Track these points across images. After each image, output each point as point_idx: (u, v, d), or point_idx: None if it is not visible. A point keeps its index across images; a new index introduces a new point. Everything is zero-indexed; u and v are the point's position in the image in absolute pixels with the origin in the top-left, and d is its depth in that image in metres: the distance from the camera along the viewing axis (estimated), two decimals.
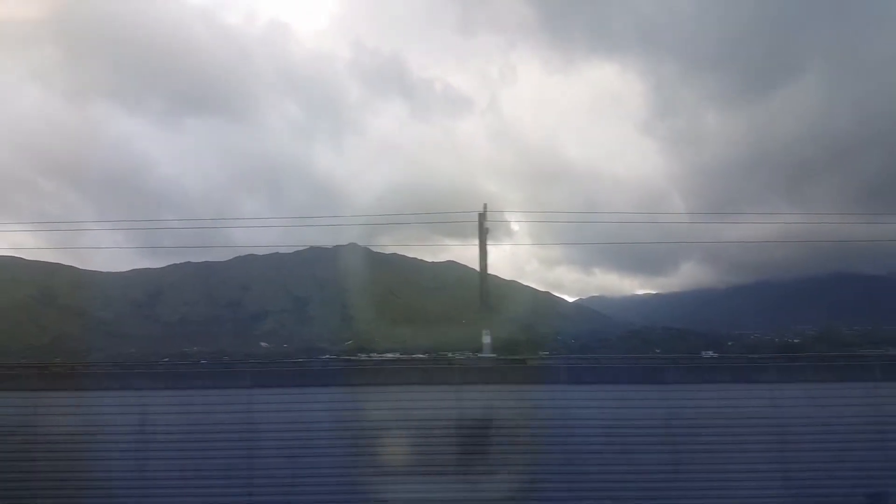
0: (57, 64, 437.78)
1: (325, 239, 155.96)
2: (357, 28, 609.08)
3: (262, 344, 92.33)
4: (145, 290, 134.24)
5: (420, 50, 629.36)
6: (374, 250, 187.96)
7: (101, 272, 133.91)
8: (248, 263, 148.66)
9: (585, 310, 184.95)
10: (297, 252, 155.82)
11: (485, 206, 18.23)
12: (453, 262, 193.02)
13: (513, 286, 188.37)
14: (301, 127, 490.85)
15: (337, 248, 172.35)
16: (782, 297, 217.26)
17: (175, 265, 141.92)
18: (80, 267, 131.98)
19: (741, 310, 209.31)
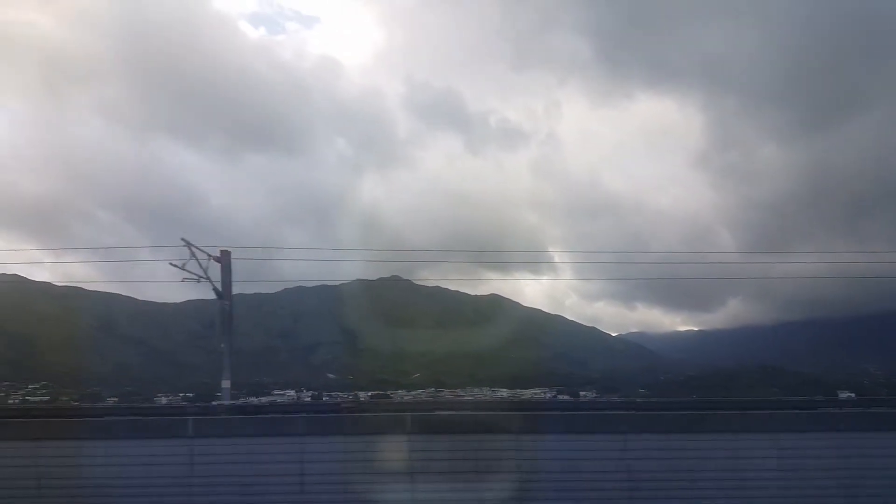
0: (121, 99, 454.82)
1: (370, 272, 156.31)
2: (406, 63, 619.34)
3: (329, 375, 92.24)
4: (200, 320, 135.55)
5: (472, 84, 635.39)
6: (417, 283, 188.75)
7: (157, 302, 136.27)
8: (297, 295, 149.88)
9: (632, 345, 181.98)
10: (344, 284, 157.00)
11: None
12: (496, 295, 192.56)
13: (557, 320, 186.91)
14: (351, 160, 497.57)
15: (381, 280, 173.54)
16: (834, 334, 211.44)
17: None
18: (137, 297, 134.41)
19: (790, 347, 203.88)
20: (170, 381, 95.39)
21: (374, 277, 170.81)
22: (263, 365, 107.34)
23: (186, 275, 24.22)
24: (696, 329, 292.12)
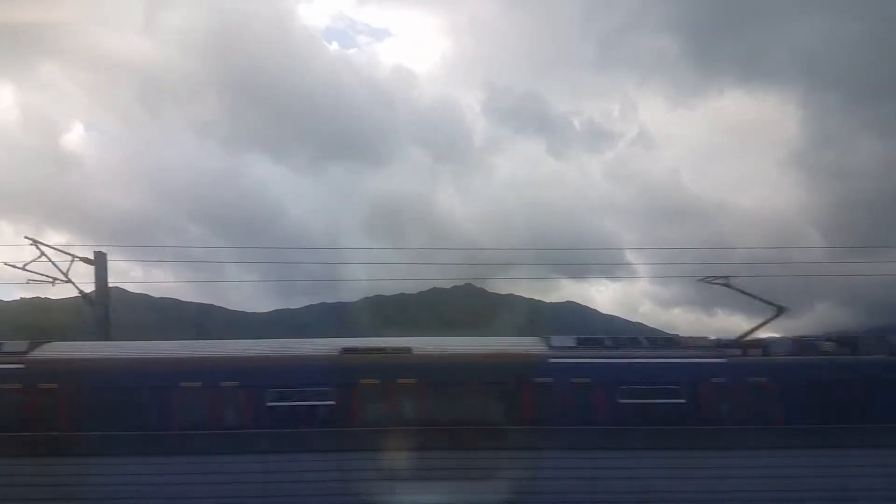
0: (213, 116, 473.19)
1: (444, 279, 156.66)
2: (484, 69, 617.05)
3: None
4: (288, 329, 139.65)
5: (553, 87, 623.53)
6: (491, 291, 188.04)
7: (247, 312, 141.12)
8: (376, 304, 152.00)
9: None
10: (421, 293, 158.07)
11: None
12: (572, 302, 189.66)
13: (638, 328, 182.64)
14: (429, 168, 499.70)
15: (455, 288, 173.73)
16: None
17: (311, 305, 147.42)
18: (228, 307, 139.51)
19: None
20: None
21: (448, 286, 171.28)
22: None
23: None
24: (777, 336, 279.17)
